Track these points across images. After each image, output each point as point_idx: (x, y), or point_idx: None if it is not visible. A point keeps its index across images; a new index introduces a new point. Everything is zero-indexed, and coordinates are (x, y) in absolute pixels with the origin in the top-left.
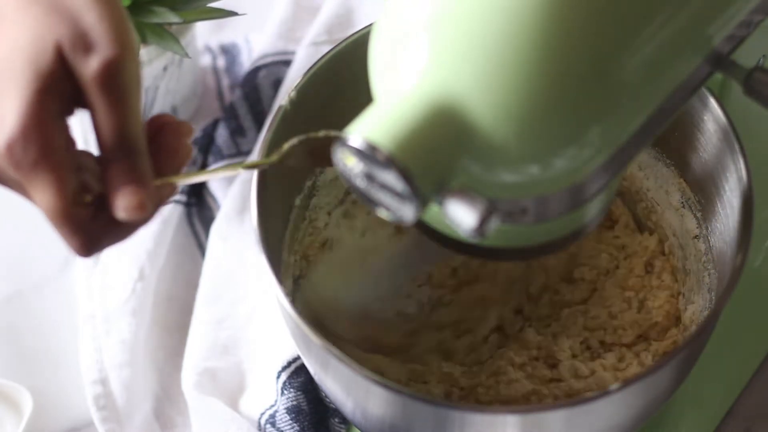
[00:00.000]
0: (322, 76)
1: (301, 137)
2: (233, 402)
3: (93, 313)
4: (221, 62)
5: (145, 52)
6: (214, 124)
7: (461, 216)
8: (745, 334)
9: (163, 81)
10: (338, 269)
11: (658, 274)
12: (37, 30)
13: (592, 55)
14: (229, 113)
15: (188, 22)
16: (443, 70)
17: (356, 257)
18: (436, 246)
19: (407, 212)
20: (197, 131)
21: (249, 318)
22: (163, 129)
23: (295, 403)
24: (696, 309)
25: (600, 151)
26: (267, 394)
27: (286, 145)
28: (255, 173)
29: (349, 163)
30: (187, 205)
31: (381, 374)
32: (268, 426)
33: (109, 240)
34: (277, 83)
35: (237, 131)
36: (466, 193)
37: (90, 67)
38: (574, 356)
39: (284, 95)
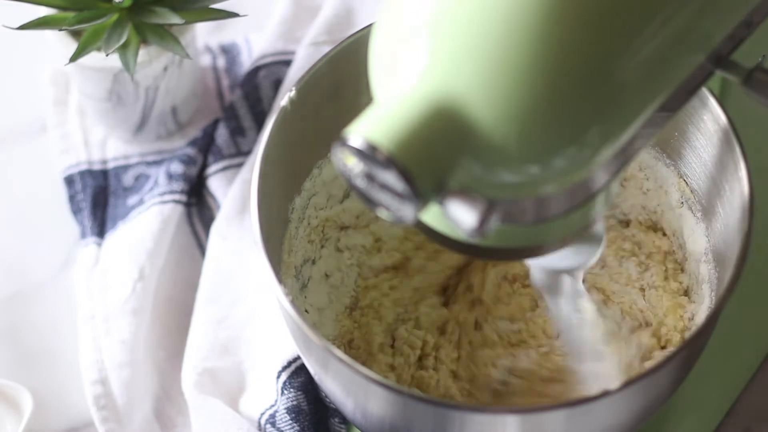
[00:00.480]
0: (322, 76)
1: None
2: (233, 402)
3: (93, 313)
4: (221, 62)
5: (145, 52)
6: (214, 124)
7: (461, 216)
8: (745, 334)
9: (163, 81)
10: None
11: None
12: None
13: (592, 54)
14: (229, 113)
15: (189, 22)
16: (443, 70)
17: None
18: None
19: (407, 212)
20: (197, 131)
21: (249, 318)
22: None
23: (295, 403)
24: (696, 309)
25: (600, 151)
26: (267, 394)
27: None
28: (255, 174)
29: (349, 163)
30: (187, 204)
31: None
32: (268, 426)
33: None
34: (277, 83)
35: (237, 131)
36: (466, 193)
37: None
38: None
39: (284, 95)
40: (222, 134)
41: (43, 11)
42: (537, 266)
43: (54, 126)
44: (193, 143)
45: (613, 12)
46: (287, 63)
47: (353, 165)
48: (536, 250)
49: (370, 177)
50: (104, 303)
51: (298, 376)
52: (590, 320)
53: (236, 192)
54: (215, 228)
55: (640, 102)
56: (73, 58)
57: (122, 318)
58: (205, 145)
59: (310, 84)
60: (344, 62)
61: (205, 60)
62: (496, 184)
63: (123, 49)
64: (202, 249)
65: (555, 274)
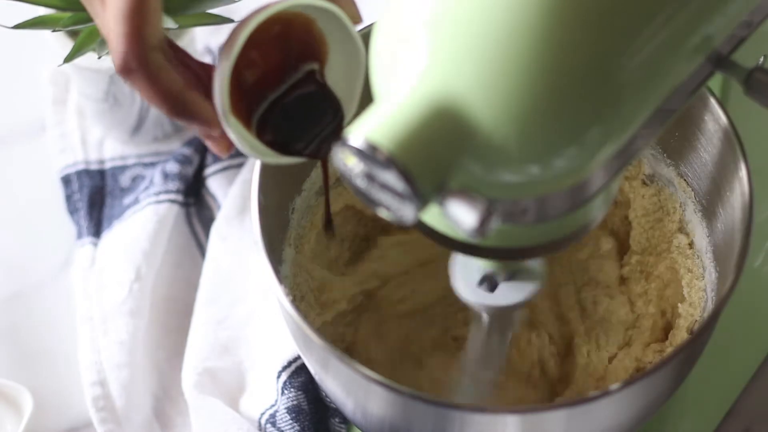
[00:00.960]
0: None
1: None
2: (233, 402)
3: (90, 314)
4: None
5: None
6: None
7: (461, 216)
8: (745, 334)
9: None
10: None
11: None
12: None
13: (592, 54)
14: None
15: (183, 27)
16: (443, 70)
17: None
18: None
19: (407, 212)
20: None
21: (249, 318)
22: None
23: (295, 402)
24: (696, 309)
25: (600, 151)
26: (267, 394)
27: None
28: (255, 174)
29: (350, 163)
30: (185, 205)
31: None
32: (269, 426)
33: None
34: None
35: None
36: (466, 193)
37: None
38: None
39: None
40: None
41: (42, 11)
42: (479, 304)
43: (53, 125)
44: (189, 143)
45: (613, 12)
46: None
47: (353, 165)
48: (536, 250)
49: (370, 177)
50: (101, 304)
51: (299, 376)
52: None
53: (236, 192)
54: (215, 228)
55: (640, 102)
56: (68, 59)
57: (120, 319)
58: (202, 145)
59: None
60: None
61: (205, 61)
62: (497, 184)
63: None
64: (201, 249)
65: (495, 311)
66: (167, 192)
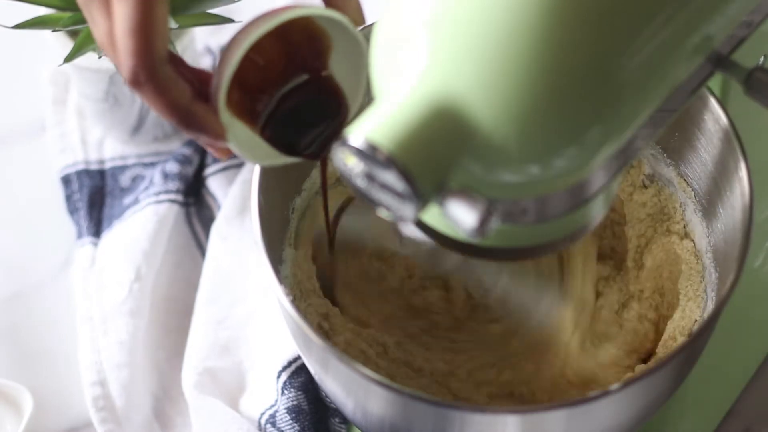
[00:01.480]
0: None
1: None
2: (233, 402)
3: (90, 314)
4: None
5: None
6: None
7: (461, 216)
8: (745, 334)
9: None
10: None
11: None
12: None
13: (593, 54)
14: None
15: (183, 27)
16: (443, 70)
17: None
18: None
19: (407, 212)
20: None
21: (249, 318)
22: None
23: (295, 402)
24: (696, 309)
25: (600, 151)
26: (267, 394)
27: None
28: (255, 174)
29: (350, 163)
30: (185, 205)
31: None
32: (269, 426)
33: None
34: None
35: None
36: (466, 193)
37: None
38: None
39: None
40: None
41: (42, 11)
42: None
43: (53, 125)
44: (189, 143)
45: (613, 12)
46: None
47: (354, 165)
48: (537, 250)
49: (370, 177)
50: (101, 304)
51: (299, 376)
52: None
53: (236, 192)
54: (215, 228)
55: (640, 102)
56: (68, 59)
57: (120, 319)
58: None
59: None
60: None
61: (205, 61)
62: (497, 184)
63: None
64: (201, 249)
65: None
66: (167, 192)
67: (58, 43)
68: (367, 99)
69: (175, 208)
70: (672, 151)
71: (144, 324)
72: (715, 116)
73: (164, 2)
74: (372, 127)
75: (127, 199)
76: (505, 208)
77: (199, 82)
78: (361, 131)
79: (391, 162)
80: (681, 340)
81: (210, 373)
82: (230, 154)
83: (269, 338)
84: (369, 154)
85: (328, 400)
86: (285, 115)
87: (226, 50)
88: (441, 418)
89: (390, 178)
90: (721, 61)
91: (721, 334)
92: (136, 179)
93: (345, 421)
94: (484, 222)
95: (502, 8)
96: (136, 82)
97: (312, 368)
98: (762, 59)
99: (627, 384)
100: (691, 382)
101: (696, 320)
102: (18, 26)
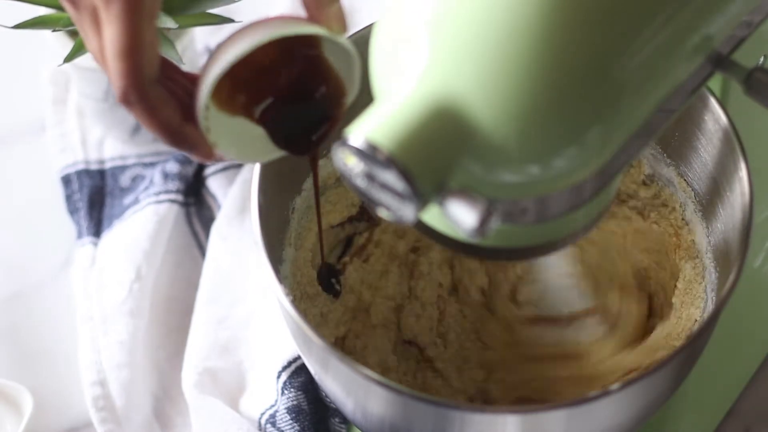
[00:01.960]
0: None
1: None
2: (233, 402)
3: (90, 313)
4: None
5: None
6: None
7: (461, 216)
8: (745, 334)
9: None
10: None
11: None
12: None
13: (593, 54)
14: None
15: (183, 27)
16: (444, 70)
17: None
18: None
19: (407, 212)
20: None
21: (249, 318)
22: None
23: (295, 402)
24: (696, 309)
25: (600, 151)
26: (267, 394)
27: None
28: (255, 174)
29: (350, 163)
30: (185, 205)
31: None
32: (269, 426)
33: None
34: None
35: None
36: (466, 193)
37: None
38: None
39: None
40: None
41: (42, 11)
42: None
43: (53, 125)
44: None
45: (613, 12)
46: None
47: (354, 165)
48: (537, 250)
49: (370, 177)
50: (101, 303)
51: (299, 376)
52: None
53: (236, 192)
54: (215, 228)
55: (640, 102)
56: (68, 59)
57: (120, 318)
58: None
59: None
60: None
61: (205, 61)
62: (497, 184)
63: None
64: (201, 249)
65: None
66: (167, 192)
67: (58, 43)
68: (364, 100)
69: (175, 208)
70: (672, 151)
71: (144, 324)
72: (715, 116)
73: (152, 26)
74: (372, 126)
75: (127, 199)
76: (505, 208)
77: (195, 87)
78: (361, 131)
79: (391, 162)
80: (680, 340)
81: (210, 373)
82: (220, 159)
83: (269, 338)
84: (369, 154)
85: (328, 400)
86: (281, 104)
87: (204, 69)
88: (441, 418)
89: (390, 178)
90: (721, 61)
91: (721, 334)
92: (136, 179)
93: (345, 421)
94: (484, 222)
95: (502, 8)
96: (126, 102)
97: (312, 368)
98: (762, 59)
99: (627, 384)
100: (691, 382)
101: (696, 320)
102: (18, 26)
